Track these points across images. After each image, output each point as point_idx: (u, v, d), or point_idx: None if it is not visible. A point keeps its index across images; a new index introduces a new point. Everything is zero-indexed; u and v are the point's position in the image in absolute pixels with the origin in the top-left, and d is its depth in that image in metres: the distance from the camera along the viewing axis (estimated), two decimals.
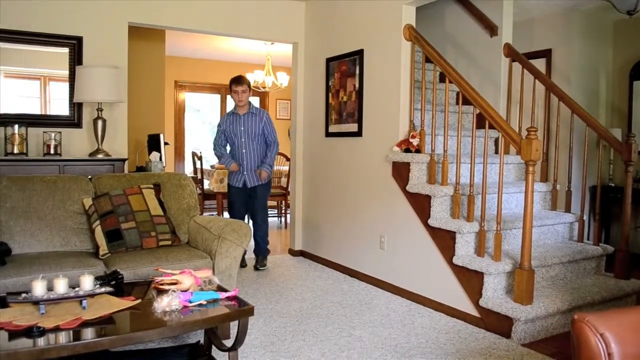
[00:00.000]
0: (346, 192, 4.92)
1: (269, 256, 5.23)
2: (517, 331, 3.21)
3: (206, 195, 7.33)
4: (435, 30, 5.41)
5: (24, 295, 2.26)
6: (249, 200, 5.11)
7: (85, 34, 4.46)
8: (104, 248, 3.23)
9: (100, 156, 4.32)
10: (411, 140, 4.11)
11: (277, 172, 7.36)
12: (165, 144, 5.80)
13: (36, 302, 2.20)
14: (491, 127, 3.63)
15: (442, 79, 4.71)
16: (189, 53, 8.70)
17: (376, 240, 4.50)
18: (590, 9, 5.38)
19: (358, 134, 4.72)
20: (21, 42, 4.27)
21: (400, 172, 4.20)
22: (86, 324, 2.10)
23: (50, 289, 2.28)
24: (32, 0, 4.25)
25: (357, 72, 4.74)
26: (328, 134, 5.19)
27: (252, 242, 4.77)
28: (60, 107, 4.47)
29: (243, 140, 4.97)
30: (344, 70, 4.93)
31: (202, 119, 9.74)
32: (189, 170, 8.93)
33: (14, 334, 1.99)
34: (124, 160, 4.46)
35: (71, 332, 2.04)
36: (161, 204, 3.56)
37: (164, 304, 2.27)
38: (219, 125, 5.15)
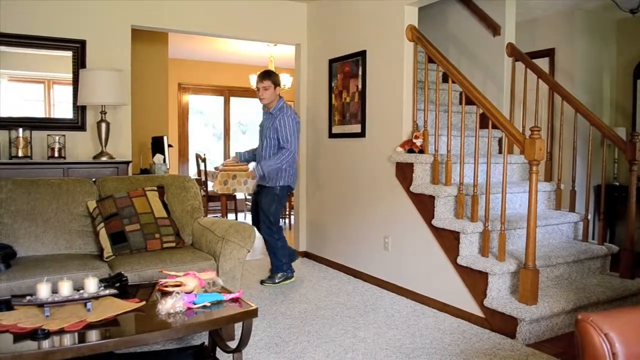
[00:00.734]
0: (350, 193, 4.91)
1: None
2: (521, 331, 3.20)
3: (210, 197, 7.34)
4: (437, 31, 5.41)
5: (28, 297, 2.27)
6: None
7: (89, 37, 4.47)
8: (108, 250, 3.23)
9: (104, 159, 4.34)
10: (414, 140, 4.11)
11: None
12: (169, 146, 5.81)
13: (41, 305, 2.21)
14: (494, 127, 3.62)
15: (445, 79, 4.70)
16: (191, 55, 8.72)
17: (380, 241, 4.50)
18: (593, 8, 5.37)
19: (361, 134, 4.72)
20: (25, 45, 4.29)
21: (404, 172, 4.19)
22: (91, 326, 2.11)
23: (54, 291, 2.29)
24: (35, 5, 4.27)
25: (360, 72, 4.74)
26: (331, 135, 5.19)
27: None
28: (64, 110, 4.49)
29: (262, 139, 4.59)
30: (347, 71, 4.93)
31: (205, 121, 9.75)
32: (192, 172, 8.94)
33: (19, 336, 1.99)
34: (127, 162, 4.47)
35: (76, 334, 2.04)
36: (165, 206, 3.57)
37: (168, 305, 2.27)
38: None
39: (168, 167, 5.28)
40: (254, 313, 2.42)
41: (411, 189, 4.09)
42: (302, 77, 5.67)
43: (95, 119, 4.43)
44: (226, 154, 9.63)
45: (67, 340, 2.01)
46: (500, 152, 4.77)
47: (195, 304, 2.35)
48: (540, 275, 3.38)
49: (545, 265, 3.61)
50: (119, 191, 3.54)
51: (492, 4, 4.92)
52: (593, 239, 4.49)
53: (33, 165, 4.07)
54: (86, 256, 3.25)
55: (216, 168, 7.41)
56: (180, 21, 4.93)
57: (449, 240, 3.76)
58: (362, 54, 4.71)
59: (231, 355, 2.53)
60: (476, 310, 3.54)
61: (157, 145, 5.73)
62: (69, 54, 4.44)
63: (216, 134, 9.78)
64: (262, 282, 4.56)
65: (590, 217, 4.26)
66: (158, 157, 5.14)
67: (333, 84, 5.15)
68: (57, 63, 4.45)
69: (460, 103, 3.95)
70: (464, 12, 5.22)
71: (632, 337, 1.59)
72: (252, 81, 7.99)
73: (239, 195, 8.28)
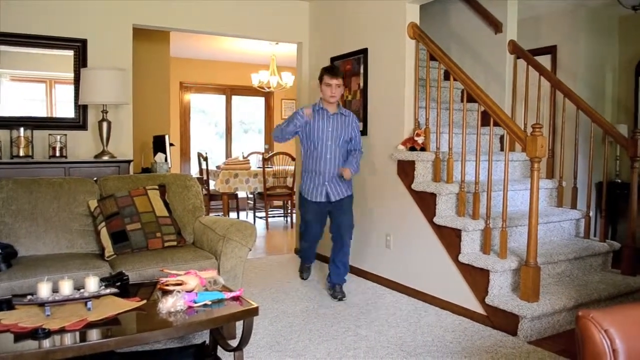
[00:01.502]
0: None
1: (275, 256, 5.17)
2: (523, 328, 3.20)
3: (212, 196, 7.35)
4: (439, 28, 5.40)
5: (29, 297, 2.27)
6: (327, 217, 4.24)
7: (90, 36, 4.47)
8: (109, 249, 3.24)
9: (105, 158, 4.34)
10: (416, 138, 4.10)
11: (283, 171, 7.37)
12: (171, 145, 5.81)
13: (41, 304, 2.21)
14: (496, 124, 3.62)
15: (446, 76, 4.69)
16: (193, 54, 8.72)
17: (382, 239, 4.50)
18: (595, 5, 5.35)
19: (363, 132, 4.71)
20: (26, 45, 4.30)
21: (406, 170, 4.19)
22: (91, 325, 2.11)
23: (55, 290, 2.29)
24: (36, 4, 4.27)
25: (362, 71, 4.74)
26: None
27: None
28: (65, 109, 4.50)
29: (329, 143, 4.04)
30: (349, 69, 4.93)
31: (207, 119, 9.76)
32: (194, 171, 8.95)
33: (20, 335, 1.99)
34: (129, 161, 4.47)
35: (77, 333, 2.04)
36: (166, 205, 3.57)
37: (169, 304, 2.27)
38: (297, 113, 4.01)
39: (169, 166, 5.29)
40: (255, 311, 2.41)
41: (413, 186, 4.09)
42: (304, 75, 5.66)
43: (97, 118, 4.43)
44: (228, 153, 9.63)
45: (68, 339, 2.01)
46: (501, 149, 4.77)
47: (196, 302, 2.35)
48: (541, 272, 3.38)
49: (547, 263, 3.61)
50: (120, 190, 3.55)
51: (494, 1, 4.91)
52: (595, 236, 4.48)
53: (34, 164, 4.08)
54: (87, 255, 3.26)
55: (217, 167, 7.41)
56: (181, 20, 4.93)
57: (450, 238, 3.75)
58: (364, 52, 4.70)
59: (232, 353, 2.52)
60: (478, 308, 3.54)
61: (159, 144, 5.73)
62: (71, 53, 4.44)
63: (218, 133, 9.79)
64: (339, 298, 4.07)
65: (592, 214, 4.25)
66: (159, 156, 5.15)
67: None
68: (59, 62, 4.46)
69: (462, 100, 3.94)
70: (466, 10, 5.21)
71: (632, 333, 1.58)
72: (254, 80, 8.01)
73: (241, 194, 8.28)
